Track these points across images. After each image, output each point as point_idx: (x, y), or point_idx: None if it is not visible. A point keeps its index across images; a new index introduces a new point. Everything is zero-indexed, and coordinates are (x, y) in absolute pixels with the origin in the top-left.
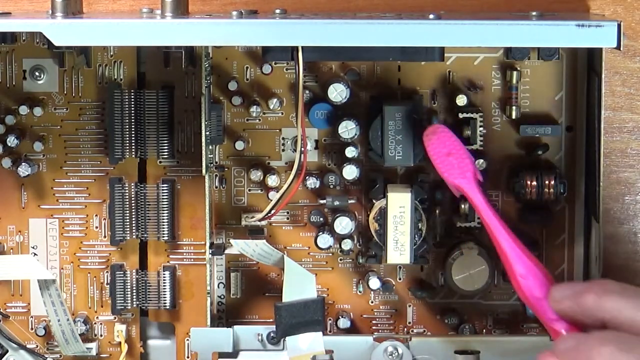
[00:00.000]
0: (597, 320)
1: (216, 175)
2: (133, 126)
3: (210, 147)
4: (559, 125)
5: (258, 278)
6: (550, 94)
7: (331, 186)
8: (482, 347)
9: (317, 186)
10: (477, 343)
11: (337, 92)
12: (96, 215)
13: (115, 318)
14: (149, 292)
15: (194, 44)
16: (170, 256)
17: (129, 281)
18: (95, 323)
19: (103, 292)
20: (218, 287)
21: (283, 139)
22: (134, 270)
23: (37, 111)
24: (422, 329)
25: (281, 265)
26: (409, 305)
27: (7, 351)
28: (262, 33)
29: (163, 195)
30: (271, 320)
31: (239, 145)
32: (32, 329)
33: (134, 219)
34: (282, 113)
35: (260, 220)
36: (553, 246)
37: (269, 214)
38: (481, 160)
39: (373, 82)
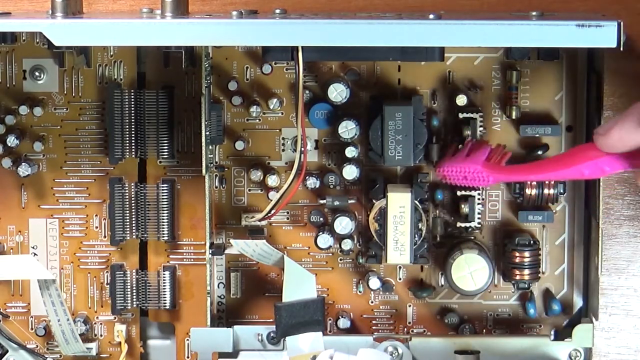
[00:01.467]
0: None
1: (216, 175)
2: (133, 126)
3: (210, 147)
4: (559, 125)
5: (258, 278)
6: (550, 94)
7: (331, 186)
8: (482, 347)
9: (317, 186)
10: (477, 343)
11: (337, 92)
12: (96, 215)
13: (115, 318)
14: (149, 292)
15: (194, 44)
16: (170, 256)
17: (129, 281)
18: (95, 323)
19: (103, 292)
20: (218, 287)
21: (283, 139)
22: (134, 270)
23: (37, 111)
24: (422, 329)
25: (281, 265)
26: (409, 305)
27: (7, 351)
28: (262, 33)
29: (163, 195)
30: (271, 320)
31: (239, 145)
32: (32, 329)
33: (134, 219)
34: (282, 113)
35: (260, 220)
36: (553, 246)
37: (269, 214)
38: None
39: (373, 82)
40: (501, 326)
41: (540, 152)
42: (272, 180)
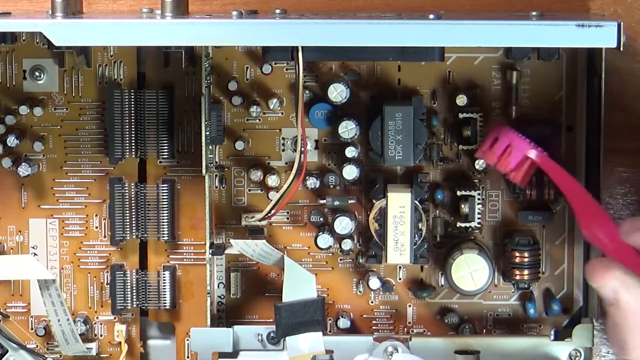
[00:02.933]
0: None
1: (216, 175)
2: (133, 126)
3: (210, 147)
4: (559, 125)
5: (258, 278)
6: (550, 94)
7: (331, 186)
8: (482, 347)
9: (317, 186)
10: (477, 343)
11: (337, 92)
12: (96, 215)
13: (115, 318)
14: (149, 292)
15: (194, 44)
16: (170, 256)
17: (129, 281)
18: (95, 323)
19: (103, 292)
20: (218, 287)
21: (283, 139)
22: (134, 270)
23: (37, 111)
24: (422, 329)
25: (281, 265)
26: (409, 305)
27: (7, 351)
28: (262, 33)
29: (163, 195)
30: (271, 320)
31: (239, 145)
32: (32, 329)
33: (134, 219)
34: (282, 113)
35: (260, 220)
36: (553, 246)
37: (269, 214)
38: (481, 161)
39: (373, 82)
40: (501, 326)
41: None
42: (272, 180)
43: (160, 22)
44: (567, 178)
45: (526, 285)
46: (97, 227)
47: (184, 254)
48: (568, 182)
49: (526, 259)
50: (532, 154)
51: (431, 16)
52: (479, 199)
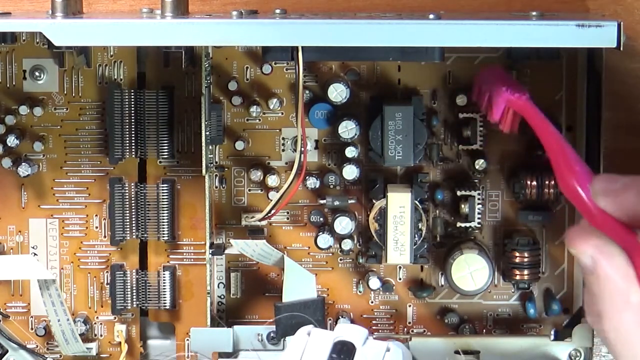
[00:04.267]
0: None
1: (216, 175)
2: (133, 126)
3: (210, 147)
4: (559, 125)
5: (258, 278)
6: (550, 94)
7: (331, 186)
8: (482, 347)
9: (317, 186)
10: (477, 343)
11: (337, 92)
12: (96, 215)
13: (115, 318)
14: (149, 292)
15: (194, 44)
16: (170, 256)
17: (129, 281)
18: (95, 323)
19: (103, 292)
20: (218, 287)
21: (283, 139)
22: (134, 270)
23: (37, 111)
24: (422, 329)
25: (281, 265)
26: (409, 305)
27: (7, 351)
28: (262, 33)
29: (163, 195)
30: (271, 320)
31: (239, 145)
32: (32, 329)
33: (134, 219)
34: (282, 113)
35: (260, 220)
36: (553, 246)
37: (269, 214)
38: (481, 161)
39: (373, 82)
40: (501, 326)
41: (540, 152)
42: (272, 180)
43: (160, 22)
44: (547, 127)
45: (526, 285)
46: (97, 227)
47: (184, 254)
48: (548, 132)
49: (526, 259)
50: (510, 101)
51: (431, 16)
52: (479, 199)
